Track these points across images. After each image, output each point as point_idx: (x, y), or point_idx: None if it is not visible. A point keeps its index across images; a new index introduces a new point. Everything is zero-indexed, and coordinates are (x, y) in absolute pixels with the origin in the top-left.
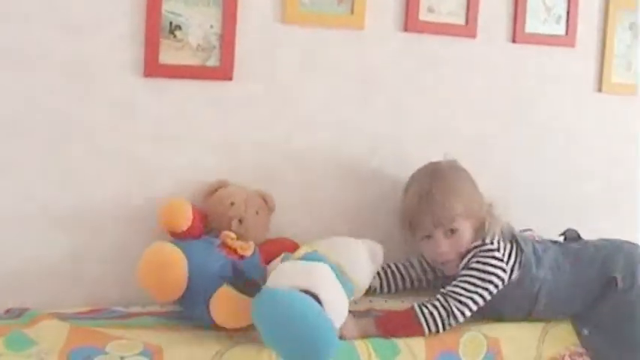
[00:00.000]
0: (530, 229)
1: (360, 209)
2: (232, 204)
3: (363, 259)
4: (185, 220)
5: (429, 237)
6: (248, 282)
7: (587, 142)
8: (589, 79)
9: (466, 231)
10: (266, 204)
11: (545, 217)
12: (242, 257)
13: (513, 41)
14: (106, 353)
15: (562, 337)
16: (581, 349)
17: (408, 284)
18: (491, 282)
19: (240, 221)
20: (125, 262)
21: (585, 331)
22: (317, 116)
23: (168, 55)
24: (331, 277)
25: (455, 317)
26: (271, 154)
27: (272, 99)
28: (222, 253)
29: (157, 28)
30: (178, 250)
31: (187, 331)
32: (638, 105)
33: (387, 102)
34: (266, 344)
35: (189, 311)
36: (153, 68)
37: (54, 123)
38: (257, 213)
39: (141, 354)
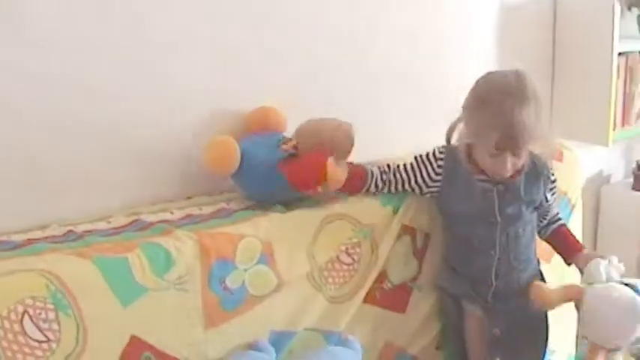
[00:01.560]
0: None
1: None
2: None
3: None
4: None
5: (496, 154)
6: None
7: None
8: None
9: (527, 152)
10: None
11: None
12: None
13: None
14: None
15: (335, 236)
16: (355, 240)
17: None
18: None
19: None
20: None
21: (497, 331)
22: (51, 37)
23: None
24: None
25: None
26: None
27: None
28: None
29: None
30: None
31: None
32: None
33: (129, 18)
34: None
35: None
36: None
37: None
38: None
39: None
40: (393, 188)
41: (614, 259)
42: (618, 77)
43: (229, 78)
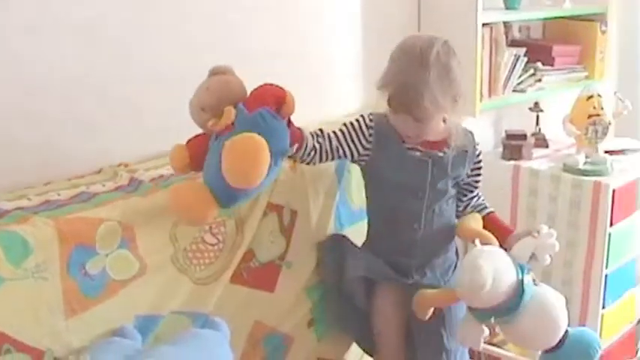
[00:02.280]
0: None
1: None
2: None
3: None
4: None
5: (394, 112)
6: None
7: None
8: None
9: (433, 121)
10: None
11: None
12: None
13: None
14: None
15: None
16: (219, 219)
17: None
18: None
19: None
20: None
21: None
22: None
23: None
24: None
25: None
26: None
27: None
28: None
29: None
30: None
31: None
32: None
33: None
34: None
35: None
36: None
37: None
38: (208, 89)
39: None
40: (324, 154)
41: (545, 230)
42: (483, 48)
43: (88, 60)
